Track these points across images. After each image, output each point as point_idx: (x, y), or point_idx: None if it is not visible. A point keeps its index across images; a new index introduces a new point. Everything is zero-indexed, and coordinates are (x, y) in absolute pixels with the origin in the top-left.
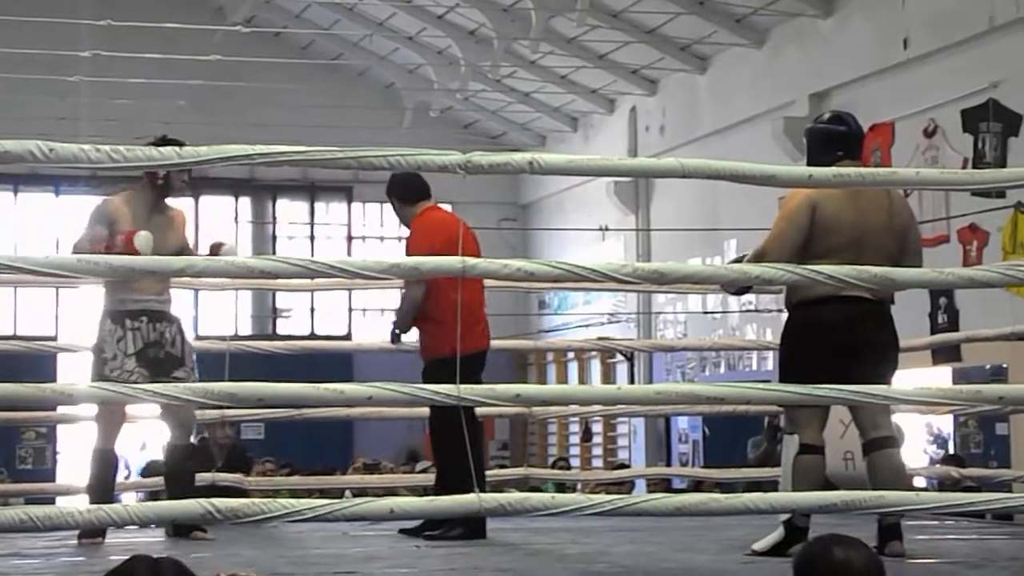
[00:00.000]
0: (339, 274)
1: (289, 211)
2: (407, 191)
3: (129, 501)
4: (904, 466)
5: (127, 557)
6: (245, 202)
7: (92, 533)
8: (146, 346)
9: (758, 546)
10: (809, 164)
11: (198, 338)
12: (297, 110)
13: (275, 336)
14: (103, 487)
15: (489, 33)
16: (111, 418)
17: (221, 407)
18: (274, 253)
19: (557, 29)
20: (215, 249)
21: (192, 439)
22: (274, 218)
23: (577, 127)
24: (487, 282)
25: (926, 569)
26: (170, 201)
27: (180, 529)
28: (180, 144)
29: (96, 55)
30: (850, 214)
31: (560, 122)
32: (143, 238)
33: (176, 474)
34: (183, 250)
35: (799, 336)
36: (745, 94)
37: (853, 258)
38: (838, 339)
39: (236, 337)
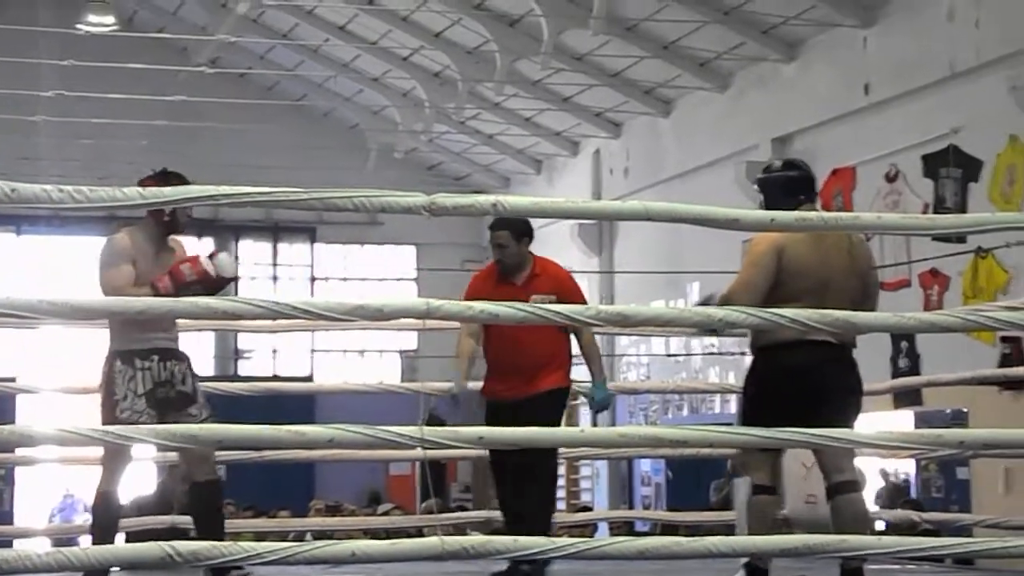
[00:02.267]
0: (302, 315)
1: (252, 252)
2: (527, 231)
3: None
4: (867, 511)
5: None
6: (208, 243)
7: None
8: (156, 386)
9: None
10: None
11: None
12: (262, 151)
13: (237, 377)
14: (106, 530)
15: (454, 75)
16: (117, 460)
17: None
18: (237, 294)
19: (521, 71)
20: (212, 256)
21: (209, 475)
22: (237, 258)
23: (541, 169)
24: (452, 324)
25: None
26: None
27: (218, 572)
28: (182, 178)
29: (59, 95)
30: (815, 258)
31: (524, 164)
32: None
33: (206, 512)
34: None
35: (764, 380)
36: (708, 137)
37: (818, 302)
38: (804, 384)
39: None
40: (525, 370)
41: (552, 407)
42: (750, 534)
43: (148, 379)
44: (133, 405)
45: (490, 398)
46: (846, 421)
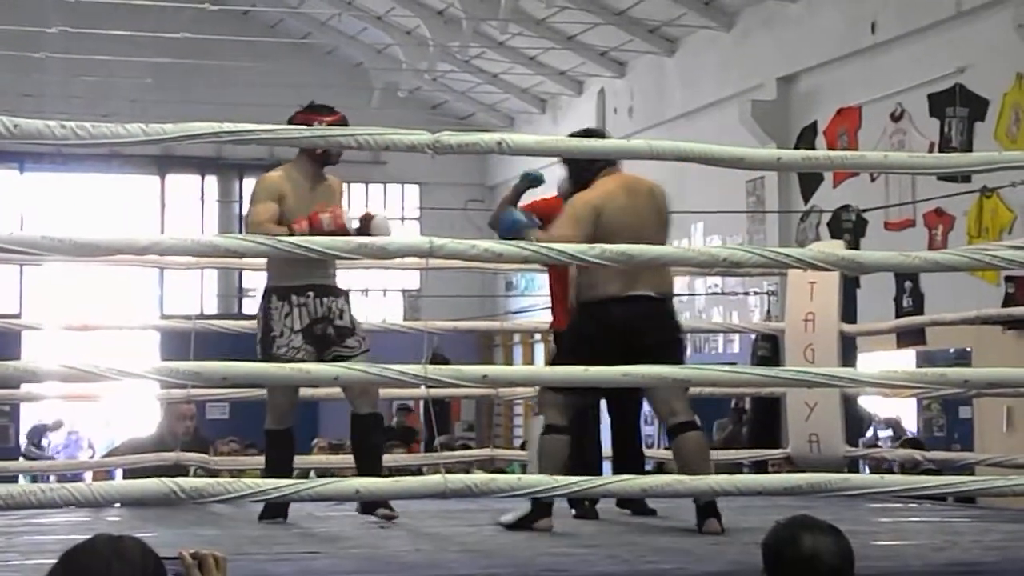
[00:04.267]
0: (306, 253)
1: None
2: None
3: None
4: (706, 447)
5: (89, 536)
6: (212, 181)
7: (276, 512)
8: (313, 322)
9: (505, 519)
10: (574, 181)
11: (163, 317)
12: (265, 89)
13: (241, 315)
14: (280, 465)
15: (458, 13)
16: (278, 397)
17: (186, 385)
18: (240, 231)
19: (526, 10)
20: (365, 221)
21: (370, 408)
22: (241, 197)
23: (545, 109)
24: (453, 262)
25: (891, 551)
26: (328, 171)
27: (367, 506)
28: (330, 110)
29: (63, 31)
30: (630, 214)
31: (528, 104)
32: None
33: (366, 447)
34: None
35: (587, 333)
36: (713, 77)
37: None
38: (626, 336)
39: (201, 316)
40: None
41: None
42: (541, 472)
43: (305, 315)
44: (290, 341)
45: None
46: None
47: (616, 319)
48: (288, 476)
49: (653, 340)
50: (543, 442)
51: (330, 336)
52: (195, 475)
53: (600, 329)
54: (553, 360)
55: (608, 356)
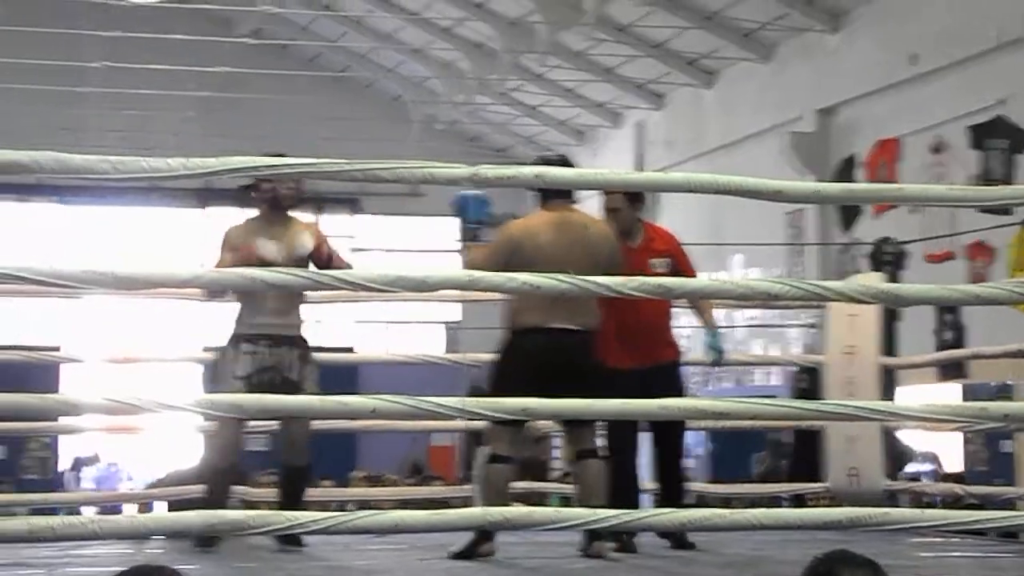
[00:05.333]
0: (345, 286)
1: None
2: (639, 194)
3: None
4: (604, 475)
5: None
6: (252, 213)
7: (206, 541)
8: (258, 370)
9: (453, 550)
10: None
11: (205, 350)
12: (304, 122)
13: None
14: (215, 499)
15: (496, 47)
16: (227, 433)
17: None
18: None
19: (564, 43)
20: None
21: (303, 460)
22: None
23: (583, 141)
24: (494, 296)
25: None
26: (296, 215)
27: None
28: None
29: (105, 66)
30: (554, 248)
31: (566, 135)
32: (264, 246)
33: (287, 495)
34: (317, 262)
35: (508, 360)
36: (752, 109)
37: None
38: (542, 365)
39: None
40: (648, 338)
41: (679, 377)
42: (484, 502)
43: (250, 363)
44: (231, 387)
45: (611, 367)
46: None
47: (537, 348)
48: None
49: (569, 371)
50: (487, 471)
51: (276, 385)
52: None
53: (522, 356)
54: (490, 387)
55: (530, 383)
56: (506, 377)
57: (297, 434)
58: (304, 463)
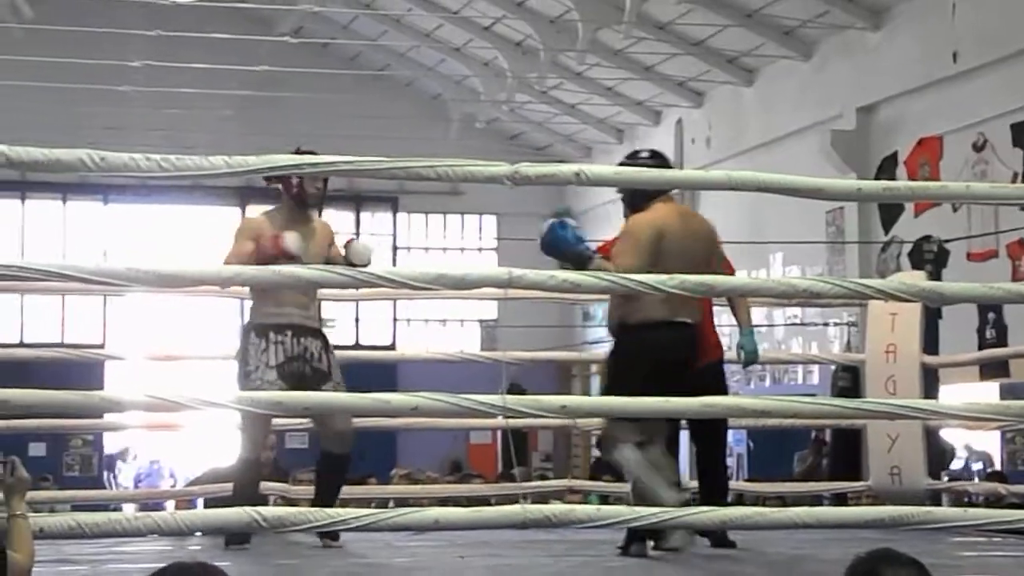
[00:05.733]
0: (385, 284)
1: (335, 221)
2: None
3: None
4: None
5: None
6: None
7: (240, 539)
8: (288, 360)
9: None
10: (629, 205)
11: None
12: (344, 121)
13: None
14: (245, 495)
15: (535, 45)
16: (256, 428)
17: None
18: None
19: (603, 41)
20: (347, 247)
21: (344, 450)
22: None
23: (623, 139)
24: (533, 293)
25: None
26: (315, 214)
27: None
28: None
29: (146, 65)
30: (686, 240)
31: (606, 134)
32: (292, 237)
33: (325, 483)
34: (329, 262)
35: (634, 355)
36: (792, 107)
37: None
38: (669, 360)
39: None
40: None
41: (723, 376)
42: (653, 487)
43: (281, 352)
44: (264, 376)
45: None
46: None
47: (664, 343)
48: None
49: (686, 366)
50: (641, 457)
51: (306, 375)
52: (275, 504)
53: (648, 351)
54: (608, 388)
55: (656, 379)
56: (629, 372)
57: (340, 421)
58: (345, 451)
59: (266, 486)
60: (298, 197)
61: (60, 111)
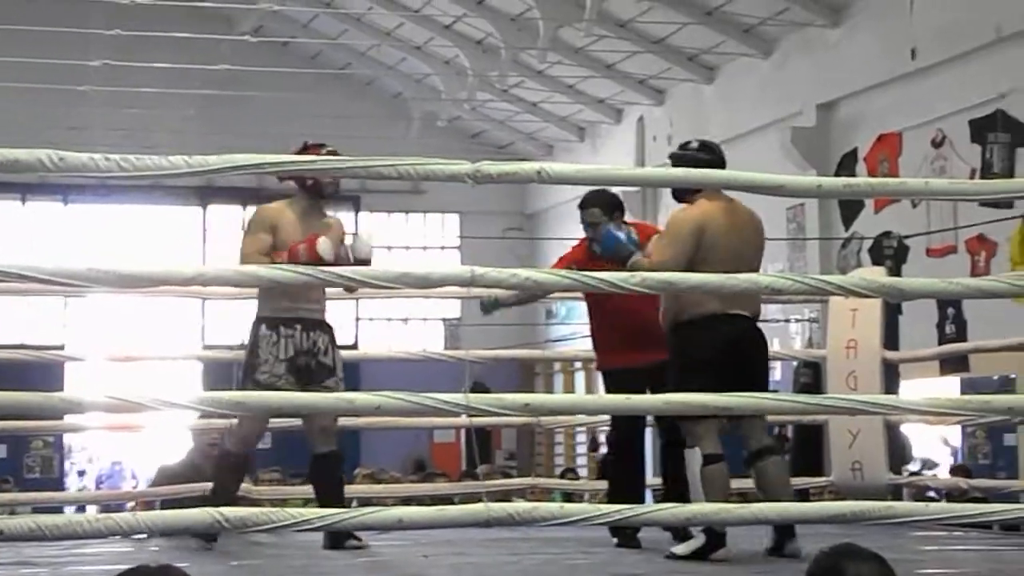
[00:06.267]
0: (350, 283)
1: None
2: (617, 204)
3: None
4: (787, 472)
5: (129, 567)
6: (252, 211)
7: (207, 537)
8: (297, 354)
9: (679, 550)
10: (675, 192)
11: (206, 347)
12: (305, 119)
13: None
14: (224, 487)
15: (496, 43)
16: (251, 424)
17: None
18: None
19: (564, 39)
20: (353, 238)
21: (330, 447)
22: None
23: (584, 137)
24: (494, 291)
25: None
26: (328, 210)
27: (335, 541)
28: (325, 147)
29: (106, 64)
30: (731, 233)
31: (567, 132)
32: (325, 243)
33: (324, 483)
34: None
35: (698, 351)
36: (753, 104)
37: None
38: (730, 352)
39: (244, 347)
40: (652, 335)
41: None
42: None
43: (291, 346)
44: (273, 369)
45: (621, 367)
46: (764, 389)
47: (723, 335)
48: (232, 496)
49: (755, 359)
50: (706, 473)
51: (312, 369)
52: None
53: (708, 346)
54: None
55: (724, 371)
56: (695, 368)
57: (321, 417)
58: (330, 448)
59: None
60: (313, 189)
61: (20, 111)
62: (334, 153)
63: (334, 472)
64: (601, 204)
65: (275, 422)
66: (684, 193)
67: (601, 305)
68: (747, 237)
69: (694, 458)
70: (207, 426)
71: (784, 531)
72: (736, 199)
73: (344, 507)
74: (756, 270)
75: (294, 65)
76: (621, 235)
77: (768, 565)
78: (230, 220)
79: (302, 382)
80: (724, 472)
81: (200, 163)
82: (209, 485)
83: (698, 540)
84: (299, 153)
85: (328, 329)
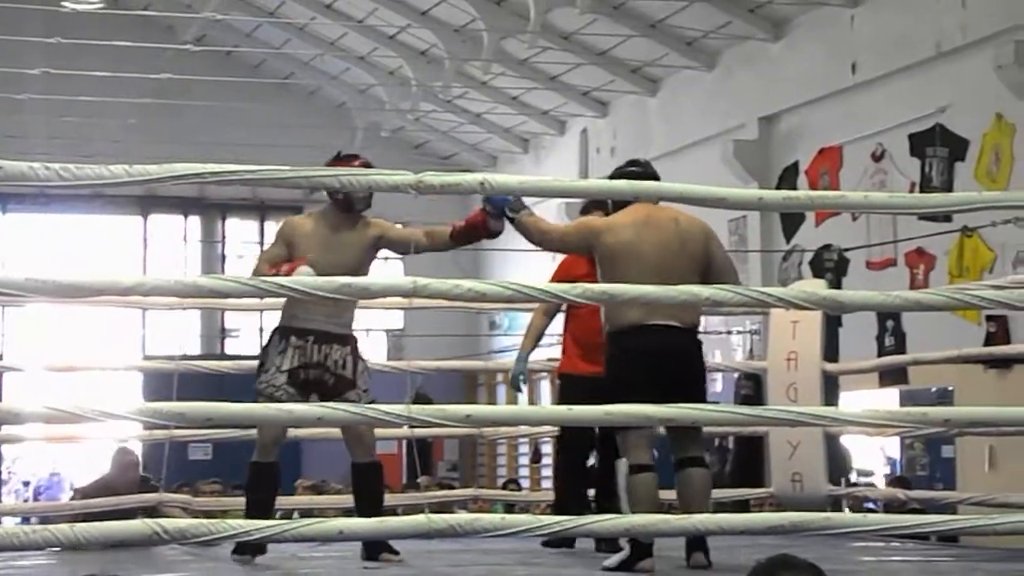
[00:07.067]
0: (288, 294)
1: (239, 230)
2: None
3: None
4: (709, 483)
5: None
6: (195, 221)
7: (246, 550)
8: (304, 366)
9: (610, 563)
10: (613, 205)
11: (146, 358)
12: (248, 129)
13: (224, 356)
14: (257, 501)
15: (440, 54)
16: (264, 432)
17: (169, 427)
18: (223, 272)
19: (508, 50)
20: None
21: (367, 458)
22: (223, 237)
23: (528, 148)
24: (437, 302)
25: None
26: (369, 215)
27: (370, 552)
28: (358, 159)
29: (45, 72)
30: (642, 244)
31: (511, 143)
32: (305, 270)
33: (363, 494)
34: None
35: (618, 363)
36: (695, 116)
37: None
38: (653, 363)
39: (184, 357)
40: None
41: None
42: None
43: (297, 357)
44: (272, 379)
45: (576, 373)
46: (694, 401)
47: (642, 346)
48: (267, 508)
49: (681, 372)
50: (631, 482)
51: (324, 383)
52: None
53: (630, 356)
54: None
55: (644, 383)
56: (613, 379)
57: (362, 430)
58: (369, 459)
59: (169, 498)
60: (344, 203)
61: None
62: (367, 165)
63: (374, 481)
64: (602, 207)
65: (215, 433)
66: (607, 206)
67: (575, 311)
68: (669, 246)
69: (622, 467)
70: (126, 445)
71: (695, 542)
72: (669, 209)
73: (380, 515)
74: (689, 280)
75: (237, 74)
76: (511, 197)
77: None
78: (171, 230)
79: (308, 394)
80: (650, 482)
81: (141, 172)
82: (156, 498)
83: (624, 552)
84: (331, 164)
85: (348, 341)
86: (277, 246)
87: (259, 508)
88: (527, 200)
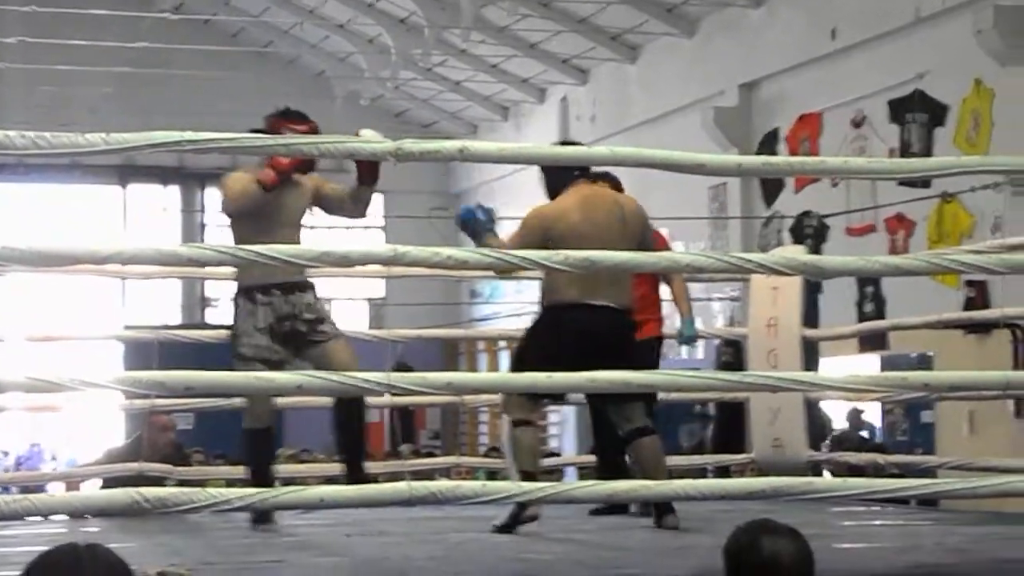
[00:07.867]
0: (268, 261)
1: (218, 199)
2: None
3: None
4: (662, 449)
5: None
6: (174, 190)
7: (263, 517)
8: (278, 320)
9: (497, 522)
10: (548, 191)
11: (126, 328)
12: (226, 98)
13: (204, 325)
14: (258, 468)
15: (420, 21)
16: (255, 399)
17: (150, 396)
18: (203, 241)
19: (488, 18)
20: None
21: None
22: (203, 206)
23: (508, 116)
24: (417, 270)
25: (853, 554)
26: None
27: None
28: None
29: (21, 41)
30: (587, 228)
31: (491, 111)
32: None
33: (346, 435)
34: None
35: (544, 334)
36: (675, 84)
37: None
38: (585, 341)
39: (164, 327)
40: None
41: (649, 354)
42: (519, 466)
43: (269, 313)
44: (253, 340)
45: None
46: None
47: (575, 324)
48: (267, 473)
49: (610, 351)
50: (512, 435)
51: (300, 331)
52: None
53: (559, 333)
54: (514, 359)
55: (567, 360)
56: (535, 350)
57: (339, 360)
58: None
59: (149, 467)
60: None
61: None
62: (314, 131)
63: (358, 420)
64: (612, 182)
65: (197, 402)
66: (554, 188)
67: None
68: (612, 227)
69: (504, 423)
70: (157, 410)
71: (664, 505)
72: (610, 192)
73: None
74: None
75: (215, 43)
76: (480, 213)
77: (687, 537)
78: (151, 199)
79: (290, 346)
80: (530, 433)
81: (118, 141)
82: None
83: (511, 509)
84: (274, 121)
85: (309, 287)
86: (246, 176)
87: (263, 475)
88: (507, 168)
